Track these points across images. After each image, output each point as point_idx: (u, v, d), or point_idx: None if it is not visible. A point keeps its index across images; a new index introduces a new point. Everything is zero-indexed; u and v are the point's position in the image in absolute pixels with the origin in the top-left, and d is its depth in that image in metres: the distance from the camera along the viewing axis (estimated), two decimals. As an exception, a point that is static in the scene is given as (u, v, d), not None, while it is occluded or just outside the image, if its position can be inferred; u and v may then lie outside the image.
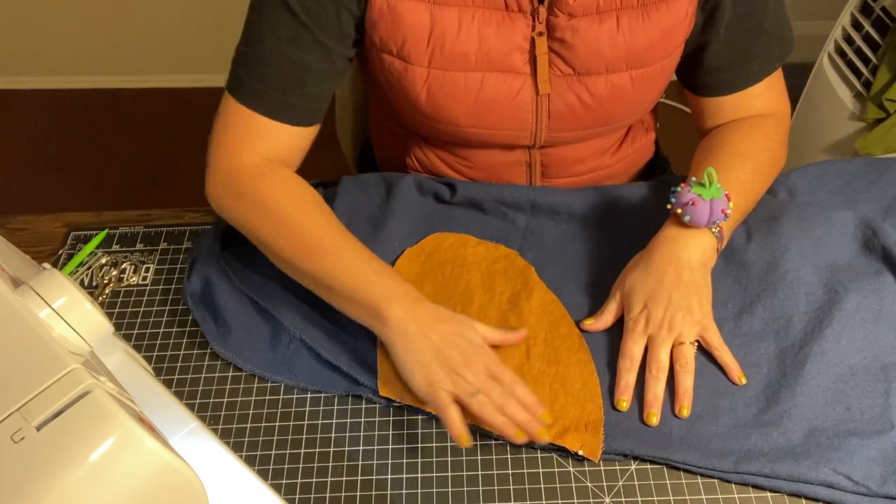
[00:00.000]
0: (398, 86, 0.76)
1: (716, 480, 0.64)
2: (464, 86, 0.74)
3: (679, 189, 0.71)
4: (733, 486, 0.64)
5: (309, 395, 0.71)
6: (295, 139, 0.77)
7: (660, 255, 0.71)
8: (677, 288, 0.69)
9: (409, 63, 0.73)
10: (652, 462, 0.65)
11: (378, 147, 1.02)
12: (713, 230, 0.72)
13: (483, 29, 0.71)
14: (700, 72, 0.81)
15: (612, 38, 0.72)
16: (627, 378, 0.68)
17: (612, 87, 0.76)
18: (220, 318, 0.74)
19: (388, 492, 0.64)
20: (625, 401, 0.67)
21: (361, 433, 0.68)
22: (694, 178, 0.71)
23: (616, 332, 0.72)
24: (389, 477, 0.65)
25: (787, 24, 0.80)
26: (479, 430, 0.67)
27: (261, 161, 0.75)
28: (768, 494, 0.64)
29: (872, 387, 0.67)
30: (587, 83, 0.75)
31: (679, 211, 0.70)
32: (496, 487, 0.65)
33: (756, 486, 0.64)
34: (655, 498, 0.64)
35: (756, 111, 0.82)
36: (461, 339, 0.66)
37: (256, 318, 0.75)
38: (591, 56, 0.73)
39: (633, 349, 0.69)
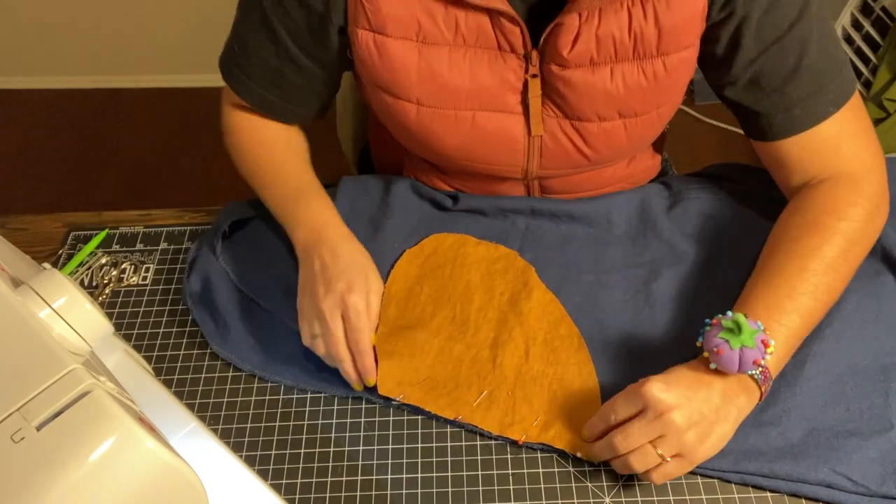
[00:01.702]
0: (389, 115, 0.76)
1: (716, 480, 0.64)
2: (454, 122, 0.73)
3: (708, 327, 0.62)
4: (733, 486, 0.64)
5: (309, 395, 0.71)
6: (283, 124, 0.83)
7: (702, 379, 0.61)
8: (717, 418, 0.60)
9: (399, 99, 0.72)
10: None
11: (376, 157, 1.02)
12: (752, 374, 0.61)
13: (475, 68, 0.70)
14: (739, 112, 0.75)
15: (604, 89, 0.70)
16: (599, 427, 0.64)
17: (604, 132, 0.74)
18: (219, 319, 0.74)
19: (388, 492, 0.64)
20: (584, 446, 0.65)
21: (361, 433, 0.68)
22: (728, 316, 0.61)
23: (617, 330, 0.73)
24: (389, 477, 0.65)
25: (841, 61, 0.70)
26: (480, 432, 0.67)
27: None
28: (768, 495, 0.64)
29: (872, 387, 0.67)
30: (579, 127, 0.73)
31: (706, 354, 0.62)
32: (496, 487, 0.65)
33: (755, 487, 0.64)
34: (655, 498, 0.64)
35: (830, 166, 0.72)
36: (337, 275, 0.68)
37: (256, 318, 0.75)
38: (583, 106, 0.71)
39: (619, 409, 0.62)
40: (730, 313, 0.62)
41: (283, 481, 0.65)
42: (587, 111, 0.72)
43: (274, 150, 0.81)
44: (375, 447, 0.67)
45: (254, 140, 0.82)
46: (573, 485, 0.65)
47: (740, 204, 0.82)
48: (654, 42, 0.67)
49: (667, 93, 0.72)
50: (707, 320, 0.63)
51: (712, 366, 0.61)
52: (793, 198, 0.74)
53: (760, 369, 0.61)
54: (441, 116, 0.73)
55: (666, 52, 0.68)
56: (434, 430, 0.68)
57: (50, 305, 0.43)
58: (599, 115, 0.72)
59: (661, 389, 0.60)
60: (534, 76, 0.70)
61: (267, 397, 0.71)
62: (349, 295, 0.67)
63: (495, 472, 0.66)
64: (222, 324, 0.74)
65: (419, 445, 0.67)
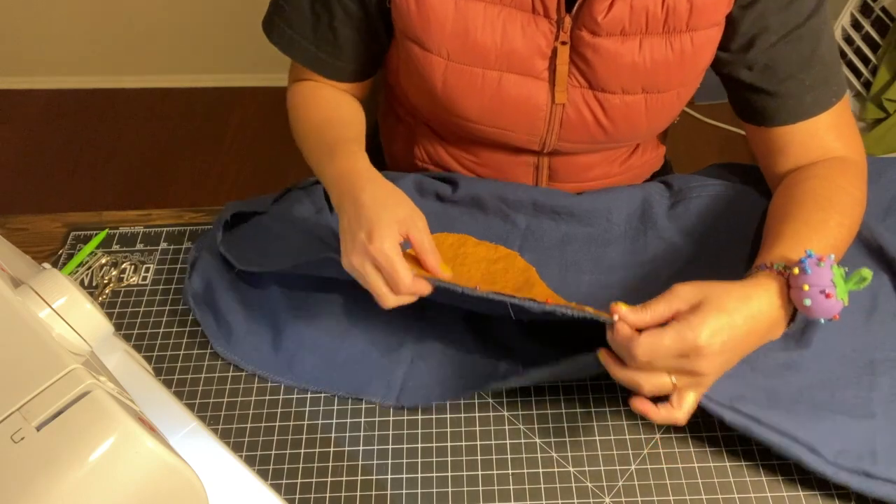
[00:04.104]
0: (416, 72, 0.77)
1: (715, 480, 0.65)
2: (481, 82, 0.74)
3: (821, 263, 0.57)
4: (733, 486, 0.64)
5: (309, 395, 0.71)
6: (340, 85, 0.82)
7: (755, 315, 0.58)
8: (736, 359, 0.59)
9: (429, 52, 0.73)
10: (653, 461, 0.66)
11: (386, 137, 1.02)
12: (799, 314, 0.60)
13: (508, 28, 0.71)
14: (747, 97, 0.76)
15: (631, 61, 0.71)
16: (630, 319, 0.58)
17: (625, 106, 0.75)
18: (221, 319, 0.75)
19: (388, 492, 0.65)
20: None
21: (361, 433, 0.68)
22: (839, 266, 0.58)
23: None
24: (389, 477, 0.65)
25: (839, 58, 0.75)
26: (479, 430, 0.67)
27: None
28: (768, 495, 0.64)
29: (858, 378, 0.68)
30: (601, 99, 0.75)
31: (805, 287, 0.56)
32: (496, 487, 0.65)
33: (746, 436, 0.65)
34: (655, 498, 0.64)
35: (828, 152, 0.75)
36: (358, 224, 0.63)
37: (257, 317, 0.75)
38: (609, 76, 0.73)
39: (657, 310, 0.58)
40: (832, 257, 0.57)
41: (283, 481, 0.65)
42: (612, 82, 0.73)
43: (319, 111, 0.79)
44: (375, 447, 0.67)
45: (303, 106, 0.81)
46: (573, 485, 0.65)
47: (740, 204, 0.82)
48: (684, 16, 0.69)
49: (690, 71, 0.74)
50: (809, 251, 0.58)
51: (806, 301, 0.56)
52: (790, 174, 0.76)
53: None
54: (468, 74, 0.74)
55: (695, 28, 0.70)
56: (434, 431, 0.68)
57: (50, 305, 0.43)
58: (623, 88, 0.74)
59: (713, 333, 0.55)
60: (563, 43, 0.71)
61: (267, 397, 0.71)
62: (370, 245, 0.61)
63: (495, 472, 0.66)
64: (224, 324, 0.74)
65: (419, 445, 0.67)
